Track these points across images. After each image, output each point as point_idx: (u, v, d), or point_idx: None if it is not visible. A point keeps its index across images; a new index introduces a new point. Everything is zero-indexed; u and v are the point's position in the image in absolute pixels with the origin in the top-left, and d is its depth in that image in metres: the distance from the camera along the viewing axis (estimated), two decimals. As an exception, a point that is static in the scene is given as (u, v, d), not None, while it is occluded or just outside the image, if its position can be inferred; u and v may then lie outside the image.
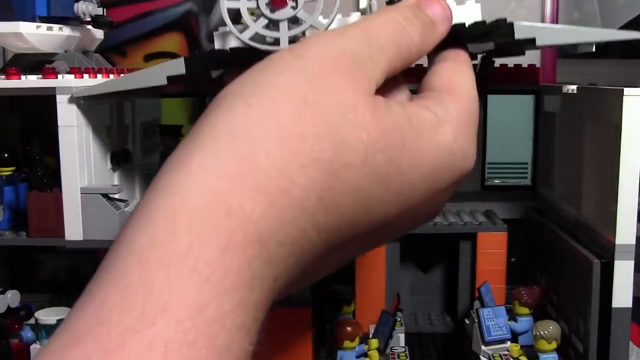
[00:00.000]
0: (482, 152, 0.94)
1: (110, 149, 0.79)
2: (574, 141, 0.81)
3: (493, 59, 0.80)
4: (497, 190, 0.95)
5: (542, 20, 1.40)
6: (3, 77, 0.72)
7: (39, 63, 0.78)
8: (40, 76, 0.71)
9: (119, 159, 0.80)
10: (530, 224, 0.92)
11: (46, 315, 0.75)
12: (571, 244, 0.77)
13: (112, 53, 1.43)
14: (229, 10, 0.65)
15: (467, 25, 0.62)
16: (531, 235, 0.91)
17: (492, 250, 0.85)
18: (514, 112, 0.97)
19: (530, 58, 0.86)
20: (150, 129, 0.90)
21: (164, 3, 1.57)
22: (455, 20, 0.61)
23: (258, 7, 0.65)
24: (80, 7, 0.76)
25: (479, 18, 0.66)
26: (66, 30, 0.77)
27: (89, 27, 0.81)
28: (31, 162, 0.76)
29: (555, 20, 1.41)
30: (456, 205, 0.93)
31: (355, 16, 0.68)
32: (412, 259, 0.92)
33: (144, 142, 0.88)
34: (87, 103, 0.71)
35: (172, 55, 1.58)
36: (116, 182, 0.80)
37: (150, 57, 1.58)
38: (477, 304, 0.82)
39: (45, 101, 0.72)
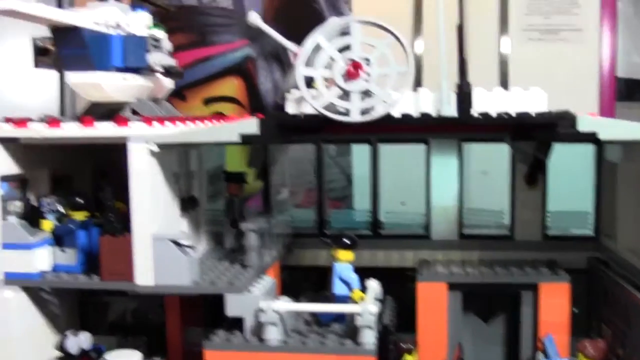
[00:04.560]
0: (543, 201, 0.94)
1: (178, 195, 0.81)
2: (637, 190, 0.81)
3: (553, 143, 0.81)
4: (559, 240, 0.95)
5: (600, 64, 1.40)
6: (79, 124, 0.74)
7: (113, 110, 0.81)
8: (114, 124, 0.74)
9: (187, 204, 0.82)
10: (593, 274, 0.91)
11: (116, 357, 0.76)
12: (637, 296, 0.76)
13: (172, 97, 1.47)
14: (305, 77, 0.68)
15: (533, 114, 0.64)
16: (594, 286, 0.91)
17: (555, 301, 0.85)
18: (575, 160, 0.97)
19: (588, 104, 0.87)
20: (215, 175, 0.91)
21: (223, 48, 1.60)
22: (521, 108, 0.64)
23: (333, 77, 0.67)
24: (153, 58, 0.79)
25: (544, 107, 0.69)
26: (139, 80, 0.80)
27: (160, 76, 0.83)
28: (103, 208, 0.78)
29: (613, 63, 1.41)
30: (518, 255, 0.93)
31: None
32: (474, 308, 0.92)
33: (209, 188, 0.89)
34: (157, 151, 0.74)
35: (231, 100, 1.61)
36: (184, 228, 0.82)
37: (209, 101, 1.62)
38: (540, 355, 0.81)
39: (115, 148, 0.75)
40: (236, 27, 1.59)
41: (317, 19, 1.55)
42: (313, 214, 1.05)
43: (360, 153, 1.38)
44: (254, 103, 1.60)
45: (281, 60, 1.58)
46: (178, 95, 1.52)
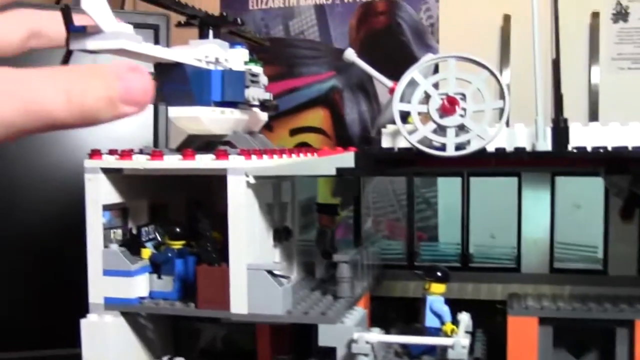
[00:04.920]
0: (639, 236, 0.93)
1: (272, 225, 0.83)
2: None
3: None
4: (656, 275, 0.93)
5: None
6: (180, 157, 0.77)
7: (210, 142, 0.84)
8: (214, 157, 0.76)
9: (281, 235, 0.83)
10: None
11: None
12: None
13: (260, 127, 1.49)
14: (400, 112, 0.69)
15: (629, 148, 0.64)
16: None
17: (652, 339, 0.83)
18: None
19: None
20: (307, 206, 0.93)
21: (310, 79, 1.63)
22: (616, 141, 0.64)
23: (428, 112, 0.68)
24: (251, 93, 0.81)
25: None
26: (236, 114, 0.82)
27: (256, 109, 0.86)
28: (200, 237, 0.81)
29: None
30: (611, 290, 0.91)
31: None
32: (566, 344, 0.91)
33: (301, 219, 0.91)
34: (254, 182, 0.75)
35: (317, 130, 1.63)
36: (277, 258, 0.84)
37: (295, 132, 1.65)
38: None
39: (210, 179, 0.77)
40: (323, 59, 1.62)
41: (403, 51, 1.56)
42: (400, 244, 1.06)
43: (445, 184, 1.38)
44: (340, 133, 1.62)
45: (367, 91, 1.60)
46: (265, 125, 1.55)
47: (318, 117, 1.63)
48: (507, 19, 1.55)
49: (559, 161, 0.80)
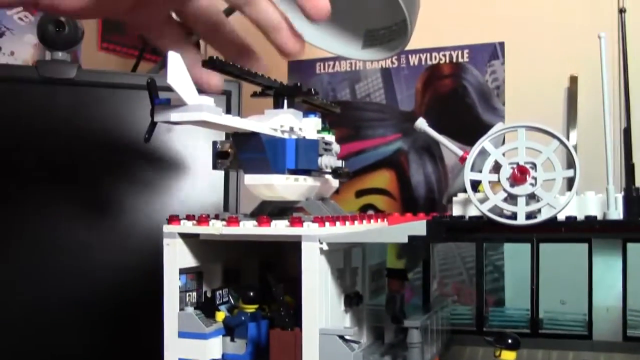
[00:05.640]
0: None
1: (343, 290, 0.84)
2: None
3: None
4: None
5: None
6: (254, 222, 0.79)
7: (282, 209, 0.86)
8: (288, 224, 0.78)
9: (352, 300, 0.85)
10: None
11: None
12: None
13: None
14: (471, 181, 0.70)
15: None
16: None
17: None
18: None
19: None
20: (378, 271, 0.94)
21: (376, 142, 1.66)
22: None
23: (499, 181, 0.70)
24: (323, 160, 0.83)
25: None
26: (309, 181, 0.85)
27: (328, 177, 0.88)
28: (273, 301, 0.83)
29: None
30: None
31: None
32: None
33: (371, 284, 0.92)
34: (327, 249, 0.77)
35: (383, 192, 1.65)
36: (348, 323, 0.85)
37: (361, 193, 1.67)
38: None
39: (281, 243, 0.79)
40: (389, 122, 1.64)
41: (469, 113, 1.58)
42: (466, 308, 1.06)
43: (512, 248, 1.38)
44: (405, 195, 1.63)
45: (433, 154, 1.61)
46: (332, 187, 1.57)
47: (384, 178, 1.65)
48: (573, 80, 1.56)
49: (631, 228, 0.80)
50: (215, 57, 0.72)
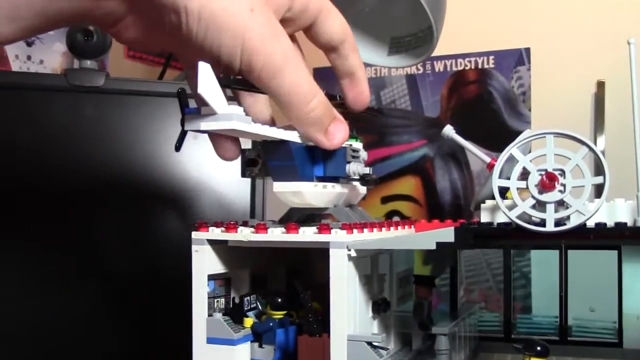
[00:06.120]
0: None
1: (371, 297, 0.84)
2: None
3: None
4: None
5: None
6: (282, 229, 0.80)
7: (311, 216, 0.87)
8: (317, 230, 0.78)
9: (379, 307, 0.85)
10: None
11: None
12: None
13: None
14: (499, 188, 0.70)
15: None
16: None
17: None
18: None
19: None
20: (405, 278, 0.94)
21: (402, 148, 1.66)
22: None
23: (527, 188, 0.70)
24: (351, 168, 0.83)
25: None
26: (337, 188, 0.85)
27: (356, 184, 0.88)
28: (301, 308, 0.83)
29: None
30: None
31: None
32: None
33: (398, 290, 0.92)
34: (355, 256, 0.77)
35: (408, 198, 1.65)
36: (376, 329, 0.85)
37: (386, 199, 1.67)
38: None
39: (309, 249, 0.79)
40: (414, 128, 1.64)
41: (494, 119, 1.57)
42: (493, 315, 1.05)
43: (539, 254, 1.37)
44: (431, 201, 1.63)
45: (458, 160, 1.61)
46: (358, 194, 1.57)
47: (409, 185, 1.65)
48: (600, 85, 1.55)
49: (661, 235, 0.79)
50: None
